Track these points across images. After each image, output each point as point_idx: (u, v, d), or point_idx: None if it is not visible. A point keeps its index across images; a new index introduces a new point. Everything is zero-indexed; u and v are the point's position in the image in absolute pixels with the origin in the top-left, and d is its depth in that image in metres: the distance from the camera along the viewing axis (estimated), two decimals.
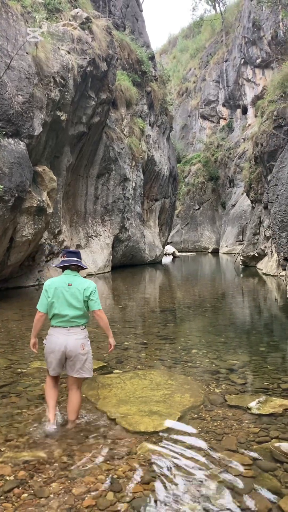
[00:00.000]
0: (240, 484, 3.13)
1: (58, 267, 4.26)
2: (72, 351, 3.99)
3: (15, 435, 3.88)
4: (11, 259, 12.87)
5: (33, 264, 15.40)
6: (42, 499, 2.94)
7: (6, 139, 11.71)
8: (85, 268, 4.40)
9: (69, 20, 17.39)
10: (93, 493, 3.00)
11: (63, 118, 15.27)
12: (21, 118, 12.16)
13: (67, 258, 4.23)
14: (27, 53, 12.88)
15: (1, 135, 11.48)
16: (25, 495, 2.99)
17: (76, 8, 18.60)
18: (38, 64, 13.42)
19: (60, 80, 14.51)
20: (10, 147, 11.73)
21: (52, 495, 2.98)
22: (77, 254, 4.31)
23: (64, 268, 4.25)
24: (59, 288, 4.08)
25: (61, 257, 4.37)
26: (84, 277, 18.82)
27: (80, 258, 4.32)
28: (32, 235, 13.07)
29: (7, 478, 3.20)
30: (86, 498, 2.95)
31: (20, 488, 3.07)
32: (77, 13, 17.89)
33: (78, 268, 4.26)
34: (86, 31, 17.70)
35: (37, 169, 13.65)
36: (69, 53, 15.70)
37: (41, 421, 4.14)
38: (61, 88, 14.63)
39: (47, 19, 15.25)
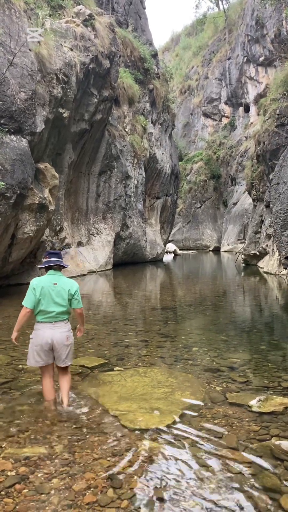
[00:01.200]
0: (240, 481, 3.13)
1: (42, 267, 4.67)
2: (58, 343, 4.43)
3: (16, 431, 3.89)
4: (12, 256, 12.88)
5: (35, 261, 15.41)
6: (43, 495, 2.96)
7: (9, 136, 11.71)
8: (66, 267, 4.80)
9: (72, 17, 17.37)
10: (93, 490, 3.02)
11: (65, 115, 15.26)
12: (23, 115, 12.15)
13: (50, 259, 4.62)
14: (30, 49, 12.86)
15: (3, 132, 11.47)
16: (26, 490, 3.01)
17: (79, 5, 18.56)
18: (41, 61, 13.40)
19: (63, 77, 14.49)
20: (12, 144, 11.73)
21: (52, 491, 3.00)
22: (58, 255, 4.71)
23: (47, 268, 4.63)
24: (45, 287, 4.46)
25: (44, 258, 4.74)
26: (85, 275, 18.76)
27: (61, 258, 4.72)
28: (34, 232, 13.07)
29: (8, 473, 3.21)
30: (87, 494, 2.96)
31: (21, 484, 3.08)
32: (80, 10, 17.86)
33: (60, 267, 4.66)
34: (89, 28, 17.67)
35: (39, 166, 13.65)
36: (71, 50, 15.67)
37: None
38: (64, 85, 14.62)
39: (50, 15, 15.22)
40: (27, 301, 4.43)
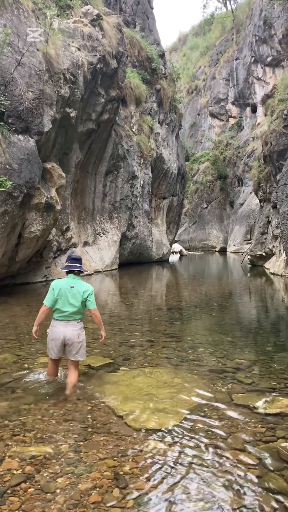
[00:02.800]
0: (246, 483, 3.12)
1: (63, 270, 5.23)
2: (70, 339, 4.94)
3: (22, 430, 3.90)
4: (19, 255, 12.92)
5: (41, 261, 15.46)
6: (49, 494, 2.96)
7: (16, 135, 11.76)
8: (85, 272, 5.43)
9: (80, 17, 17.40)
10: (99, 489, 3.02)
11: (72, 115, 15.29)
12: (31, 114, 12.19)
13: (71, 264, 5.19)
14: (37, 49, 12.91)
15: (11, 132, 11.52)
16: (32, 489, 3.01)
17: (87, 5, 18.59)
18: (49, 60, 13.43)
19: (70, 77, 14.52)
20: (20, 143, 11.77)
21: (58, 490, 3.00)
22: (79, 261, 5.27)
23: (68, 272, 5.19)
24: (63, 289, 5.00)
25: (66, 262, 5.35)
26: (91, 274, 18.79)
27: (81, 264, 5.30)
28: (40, 232, 13.11)
29: (14, 472, 3.22)
30: (92, 494, 2.97)
31: (27, 483, 3.09)
32: (88, 10, 17.89)
33: (80, 272, 5.22)
34: (96, 28, 17.70)
35: (46, 166, 13.69)
36: (79, 50, 15.70)
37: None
38: (71, 85, 14.65)
39: (58, 15, 15.25)
40: (47, 300, 5.01)
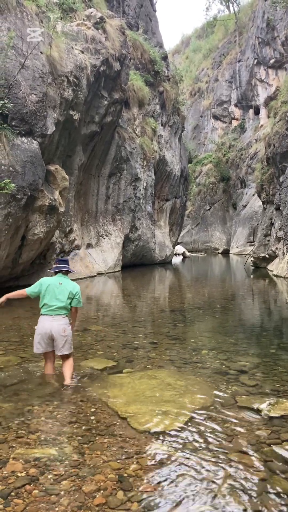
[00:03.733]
0: (251, 486, 3.11)
1: (52, 271, 5.66)
2: (55, 333, 5.22)
3: (26, 432, 3.90)
4: (22, 257, 12.95)
5: (44, 262, 15.48)
6: (53, 496, 2.96)
7: (20, 138, 11.79)
8: (72, 272, 5.76)
9: (83, 19, 17.46)
10: (103, 492, 3.01)
11: (76, 117, 15.33)
12: (34, 117, 12.23)
13: (59, 265, 5.60)
14: (41, 52, 12.95)
15: (14, 134, 11.56)
16: (36, 491, 3.01)
17: (90, 8, 18.66)
18: (52, 63, 13.48)
19: (74, 79, 14.56)
20: (23, 146, 11.81)
21: (62, 493, 3.00)
22: (66, 262, 5.71)
23: (56, 272, 5.59)
24: (51, 285, 5.36)
25: (54, 264, 5.77)
26: (94, 276, 18.79)
27: (68, 265, 5.71)
28: (44, 234, 13.14)
29: (19, 474, 3.22)
30: (97, 496, 2.96)
31: (31, 485, 3.09)
32: (91, 13, 17.95)
33: (67, 272, 5.62)
34: (99, 30, 17.75)
35: (49, 168, 13.72)
36: (82, 52, 15.76)
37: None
38: (74, 88, 14.69)
39: (61, 18, 15.32)
40: (29, 288, 5.40)
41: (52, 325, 5.20)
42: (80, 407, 4.51)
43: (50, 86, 13.24)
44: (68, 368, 5.28)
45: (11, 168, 11.12)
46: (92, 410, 4.43)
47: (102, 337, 7.80)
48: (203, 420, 4.22)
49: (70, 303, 5.35)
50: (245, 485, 3.11)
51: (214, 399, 4.74)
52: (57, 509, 2.82)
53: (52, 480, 3.16)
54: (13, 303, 11.17)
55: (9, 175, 10.99)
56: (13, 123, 11.62)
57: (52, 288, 5.32)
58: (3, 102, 11.07)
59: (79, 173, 17.89)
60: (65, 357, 5.32)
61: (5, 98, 11.21)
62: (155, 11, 31.96)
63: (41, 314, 5.32)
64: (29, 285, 6.23)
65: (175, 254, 36.66)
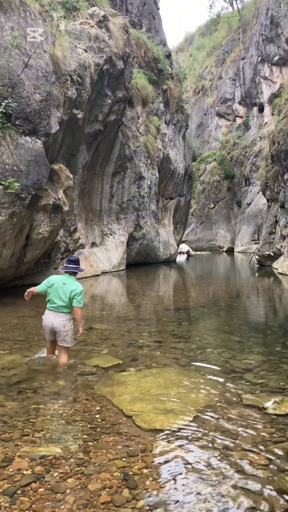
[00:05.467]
0: (256, 484, 3.11)
1: (61, 270, 6.06)
2: (56, 328, 5.75)
3: (31, 430, 3.92)
4: (27, 256, 12.98)
5: (49, 262, 15.51)
6: (59, 494, 2.97)
7: (24, 137, 11.81)
8: (79, 272, 6.09)
9: (86, 18, 17.45)
10: (108, 490, 3.02)
11: (79, 116, 15.33)
12: (38, 116, 12.24)
13: (67, 265, 5.97)
14: (44, 51, 12.95)
15: (18, 133, 11.57)
16: (42, 489, 3.02)
17: (94, 6, 18.65)
18: (55, 62, 13.48)
19: (77, 78, 14.56)
20: (27, 145, 11.82)
21: (68, 491, 3.01)
22: (75, 262, 6.02)
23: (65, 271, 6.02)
24: (56, 284, 5.82)
25: (64, 263, 6.10)
26: (98, 275, 18.81)
27: (78, 265, 6.05)
28: (48, 233, 13.16)
29: (24, 472, 3.23)
30: (102, 494, 2.97)
31: (37, 483, 3.10)
32: (94, 11, 17.93)
33: (75, 273, 5.99)
34: (103, 29, 17.74)
35: (53, 167, 13.73)
36: (86, 51, 15.75)
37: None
38: (78, 86, 14.69)
39: (64, 17, 15.31)
40: (39, 286, 5.94)
41: (54, 320, 5.76)
42: (85, 405, 4.52)
43: (53, 85, 13.24)
44: (63, 358, 5.86)
45: (15, 168, 11.14)
46: (97, 408, 4.44)
47: (107, 335, 7.81)
48: (208, 418, 4.22)
49: (71, 303, 5.75)
50: (250, 484, 3.11)
51: (219, 397, 4.74)
52: (62, 507, 2.83)
53: (57, 478, 3.17)
54: (17, 302, 11.23)
55: (13, 174, 11.00)
56: (17, 123, 11.64)
57: (56, 287, 5.78)
58: (7, 101, 11.08)
59: (83, 172, 17.90)
60: (63, 349, 5.85)
61: (9, 98, 11.22)
62: (158, 9, 31.89)
63: (47, 308, 5.88)
64: (34, 285, 6.41)
65: (180, 253, 36.62)
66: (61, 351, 5.88)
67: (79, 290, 5.78)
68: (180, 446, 3.66)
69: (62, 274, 6.05)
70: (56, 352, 6.05)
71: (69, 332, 5.79)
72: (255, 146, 48.15)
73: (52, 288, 5.81)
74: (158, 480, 3.15)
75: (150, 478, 3.17)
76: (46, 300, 5.86)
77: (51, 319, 5.78)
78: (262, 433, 3.90)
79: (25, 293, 6.01)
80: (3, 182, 10.60)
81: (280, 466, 3.36)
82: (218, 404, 4.57)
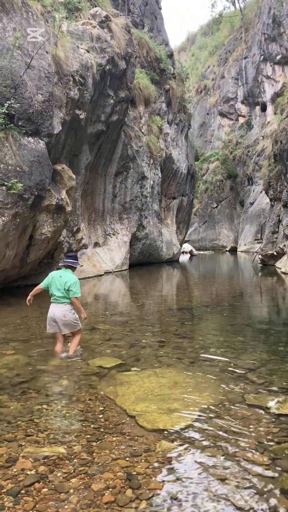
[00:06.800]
0: (259, 483, 3.11)
1: (61, 265, 6.77)
2: (57, 318, 6.33)
3: (35, 431, 3.93)
4: (30, 257, 13.01)
5: (52, 262, 15.53)
6: (62, 494, 2.98)
7: (26, 137, 11.83)
8: (75, 267, 6.68)
9: (89, 18, 17.46)
10: (112, 490, 3.03)
11: (82, 116, 15.34)
12: (40, 117, 12.26)
13: (66, 260, 6.69)
14: (46, 52, 12.97)
15: (21, 134, 11.60)
16: (46, 489, 3.04)
17: (96, 6, 18.66)
18: (58, 63, 13.50)
19: (79, 78, 14.58)
20: (30, 145, 11.85)
21: (71, 491, 3.02)
22: (72, 257, 6.72)
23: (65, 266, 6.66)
24: (54, 277, 6.45)
25: (65, 258, 6.80)
26: (101, 275, 18.79)
27: (76, 259, 6.74)
28: (51, 233, 13.18)
29: (28, 472, 3.25)
30: (106, 494, 2.98)
31: (41, 483, 3.11)
32: (96, 11, 17.94)
33: (70, 267, 6.61)
34: (105, 29, 17.74)
35: (56, 168, 13.75)
36: (88, 51, 15.76)
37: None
38: (80, 87, 14.71)
39: (66, 18, 15.32)
40: (42, 283, 6.57)
41: (55, 311, 6.35)
42: (88, 405, 4.53)
43: (56, 85, 13.26)
44: (73, 342, 6.45)
45: (18, 168, 11.16)
46: (101, 408, 4.45)
47: (110, 336, 7.82)
48: (211, 418, 4.23)
49: (68, 294, 6.30)
50: (254, 483, 3.11)
51: (222, 397, 4.74)
52: (66, 507, 2.84)
53: (61, 478, 3.18)
54: (21, 302, 11.24)
55: (16, 175, 11.03)
56: (19, 123, 11.67)
57: (55, 280, 6.40)
58: (9, 102, 11.11)
59: (85, 172, 17.91)
60: (72, 335, 6.51)
61: (12, 98, 11.25)
62: (160, 8, 31.88)
63: (51, 301, 6.46)
64: (37, 285, 6.53)
65: (183, 252, 36.60)
66: (72, 338, 6.51)
67: (73, 281, 6.32)
68: (183, 446, 3.66)
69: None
70: (68, 344, 6.58)
71: (69, 321, 6.33)
72: (257, 145, 48.04)
73: (52, 281, 6.40)
74: (162, 480, 3.16)
75: (154, 478, 3.18)
76: (50, 294, 6.45)
77: (53, 310, 6.38)
78: (265, 433, 3.90)
79: (27, 300, 6.72)
80: (6, 183, 10.63)
81: (283, 465, 3.36)
82: (221, 404, 4.57)
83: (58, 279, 6.37)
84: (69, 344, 6.60)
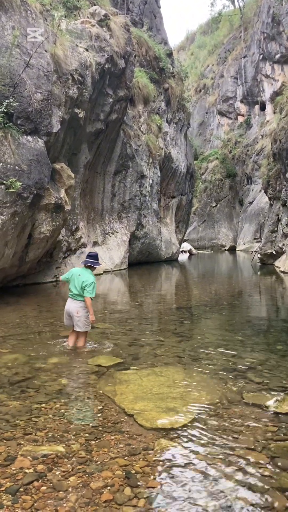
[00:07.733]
0: (257, 482, 3.12)
1: (81, 264, 7.08)
2: (71, 313, 6.69)
3: (33, 429, 3.93)
4: (29, 256, 12.99)
5: (51, 261, 15.52)
6: (61, 492, 2.98)
7: (25, 136, 11.81)
8: (95, 267, 6.95)
9: (87, 17, 17.43)
10: (110, 488, 3.03)
11: (81, 115, 15.33)
12: (39, 115, 12.24)
13: (86, 259, 6.96)
14: (45, 50, 12.95)
15: (20, 133, 11.58)
16: (44, 488, 3.04)
17: (95, 5, 18.62)
18: (57, 61, 13.48)
19: (78, 77, 14.56)
20: (29, 144, 11.83)
21: (70, 489, 3.02)
22: (93, 257, 6.96)
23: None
24: (74, 275, 6.80)
25: (86, 257, 7.07)
26: (100, 274, 18.78)
27: (97, 260, 6.97)
28: (50, 232, 13.17)
29: (27, 471, 3.25)
30: (104, 492, 2.98)
31: (39, 481, 3.11)
32: (95, 10, 17.92)
33: (91, 267, 6.90)
34: (104, 28, 17.72)
35: (55, 167, 13.74)
36: (87, 50, 15.74)
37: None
38: (79, 86, 14.69)
39: (65, 16, 15.29)
40: (63, 276, 7.06)
41: (70, 306, 6.72)
42: (87, 404, 4.54)
43: (55, 84, 13.24)
44: (79, 343, 6.77)
45: (16, 167, 11.14)
46: (99, 407, 4.46)
47: (109, 334, 7.83)
48: (210, 417, 4.23)
49: (83, 293, 6.57)
50: (252, 482, 3.12)
51: (221, 396, 4.74)
52: (65, 505, 2.84)
53: (60, 476, 3.18)
54: (19, 301, 11.25)
55: (15, 173, 11.01)
56: (18, 122, 11.64)
57: (74, 277, 6.74)
58: (8, 101, 11.09)
59: (84, 171, 17.90)
60: (78, 334, 6.76)
61: (10, 97, 11.22)
62: (159, 7, 31.84)
63: (68, 296, 6.85)
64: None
65: (182, 251, 36.60)
66: (78, 336, 6.77)
67: (90, 281, 6.58)
68: (181, 444, 3.67)
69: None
70: (73, 343, 6.83)
71: (81, 318, 6.62)
72: (257, 145, 48.05)
73: (72, 278, 6.76)
74: (160, 479, 3.16)
75: (152, 477, 3.18)
76: (69, 288, 6.86)
77: (69, 305, 6.75)
78: (264, 432, 3.91)
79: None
80: (5, 182, 10.61)
81: (281, 464, 3.37)
82: (220, 402, 4.58)
83: (76, 277, 6.69)
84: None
